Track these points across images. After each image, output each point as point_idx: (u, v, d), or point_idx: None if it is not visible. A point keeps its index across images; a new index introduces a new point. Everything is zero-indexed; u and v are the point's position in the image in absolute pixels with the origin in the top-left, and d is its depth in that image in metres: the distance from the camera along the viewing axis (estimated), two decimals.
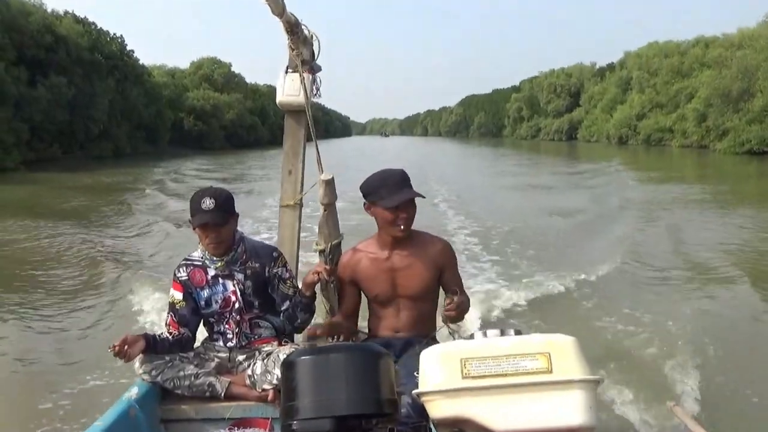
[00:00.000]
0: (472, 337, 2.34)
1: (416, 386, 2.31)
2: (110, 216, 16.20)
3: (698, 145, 53.50)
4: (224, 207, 3.23)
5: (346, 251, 3.56)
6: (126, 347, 3.07)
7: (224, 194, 3.29)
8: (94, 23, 50.16)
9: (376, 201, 3.26)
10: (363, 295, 3.49)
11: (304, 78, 3.81)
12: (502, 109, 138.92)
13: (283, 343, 3.39)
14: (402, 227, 3.25)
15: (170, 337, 3.32)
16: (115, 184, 25.58)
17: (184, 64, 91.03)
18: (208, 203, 3.18)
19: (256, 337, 3.42)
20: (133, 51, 55.17)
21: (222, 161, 43.32)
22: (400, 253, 3.34)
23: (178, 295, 3.39)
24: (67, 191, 22.30)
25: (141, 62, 57.80)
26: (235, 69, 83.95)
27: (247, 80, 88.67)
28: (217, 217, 3.20)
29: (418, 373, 2.33)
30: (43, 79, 39.19)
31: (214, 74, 78.99)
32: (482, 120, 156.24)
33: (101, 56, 47.10)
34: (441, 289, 3.43)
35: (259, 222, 13.92)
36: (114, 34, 52.94)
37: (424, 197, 3.27)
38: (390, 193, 3.21)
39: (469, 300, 3.36)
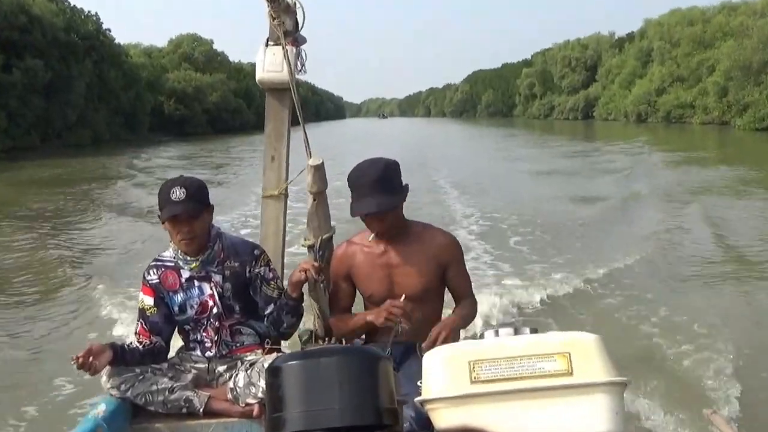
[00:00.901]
0: (482, 336, 2.33)
1: (419, 394, 2.30)
2: (79, 212, 16.27)
3: (719, 122, 54.77)
4: (196, 197, 3.21)
5: (340, 244, 3.54)
6: (91, 358, 3.03)
7: (196, 183, 3.27)
8: (67, 0, 51.56)
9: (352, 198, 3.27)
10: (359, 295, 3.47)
11: (287, 51, 3.78)
12: (513, 85, 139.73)
13: (268, 350, 3.36)
14: (377, 233, 3.25)
15: (141, 347, 3.29)
16: (91, 176, 25.78)
17: (161, 41, 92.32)
18: (178, 193, 3.15)
19: (237, 345, 3.41)
20: (109, 29, 56.99)
21: (205, 148, 44.01)
22: (398, 248, 3.31)
23: (149, 300, 3.37)
24: (45, 185, 22.76)
25: (117, 41, 59.71)
26: (217, 46, 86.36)
27: (231, 58, 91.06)
28: (189, 209, 3.17)
29: (420, 380, 2.32)
30: (18, 62, 40.58)
31: (195, 53, 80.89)
32: (490, 98, 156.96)
33: (77, 36, 48.70)
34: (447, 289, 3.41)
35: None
36: (89, 11, 54.67)
37: (384, 211, 3.16)
38: (356, 198, 3.21)
39: (474, 306, 3.33)
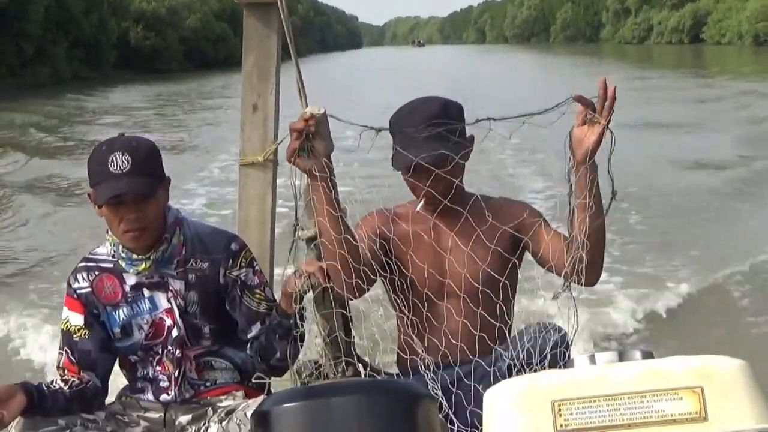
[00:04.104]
0: (570, 364, 2.32)
1: None
2: None
3: None
4: (147, 167, 3.19)
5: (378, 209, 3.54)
6: None
7: (145, 147, 3.25)
8: None
9: (394, 147, 3.30)
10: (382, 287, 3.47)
11: None
12: None
13: (250, 392, 3.41)
14: (428, 200, 3.27)
15: (66, 388, 3.30)
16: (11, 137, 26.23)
17: None
18: (119, 162, 3.13)
19: (207, 384, 3.44)
20: None
21: (178, 90, 46.25)
22: (454, 225, 3.34)
23: (77, 319, 3.39)
24: None
25: None
26: None
27: None
28: (138, 185, 3.15)
29: (480, 426, 2.32)
30: None
31: None
32: (568, 16, 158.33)
33: None
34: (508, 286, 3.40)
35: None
36: None
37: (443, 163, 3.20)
38: (403, 144, 3.25)
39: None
